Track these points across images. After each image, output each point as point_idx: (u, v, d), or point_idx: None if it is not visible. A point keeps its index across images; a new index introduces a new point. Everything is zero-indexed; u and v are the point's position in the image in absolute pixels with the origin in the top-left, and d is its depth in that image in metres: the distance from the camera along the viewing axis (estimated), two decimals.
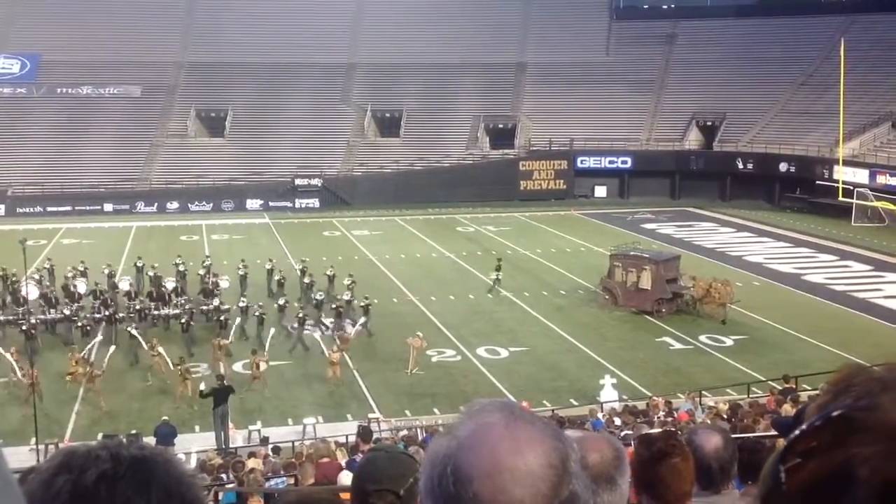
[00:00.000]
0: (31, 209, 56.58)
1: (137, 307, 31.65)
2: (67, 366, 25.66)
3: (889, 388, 1.01)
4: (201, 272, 35.97)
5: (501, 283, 37.00)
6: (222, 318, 30.07)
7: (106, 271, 36.02)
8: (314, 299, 32.53)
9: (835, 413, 1.00)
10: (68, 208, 56.80)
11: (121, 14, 70.39)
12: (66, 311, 30.86)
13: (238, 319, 30.16)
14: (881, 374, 1.06)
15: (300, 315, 30.02)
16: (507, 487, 1.18)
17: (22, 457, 21.09)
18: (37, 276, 34.97)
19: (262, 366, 25.90)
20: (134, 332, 28.36)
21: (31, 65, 68.21)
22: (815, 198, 55.81)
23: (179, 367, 25.12)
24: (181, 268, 36.05)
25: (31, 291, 32.47)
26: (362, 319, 30.98)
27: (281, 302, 31.99)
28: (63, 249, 44.75)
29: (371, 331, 30.89)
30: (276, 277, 35.96)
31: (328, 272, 36.30)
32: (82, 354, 26.20)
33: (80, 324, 29.76)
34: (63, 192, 57.89)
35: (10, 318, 30.61)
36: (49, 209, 56.66)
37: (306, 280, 35.11)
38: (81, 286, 33.27)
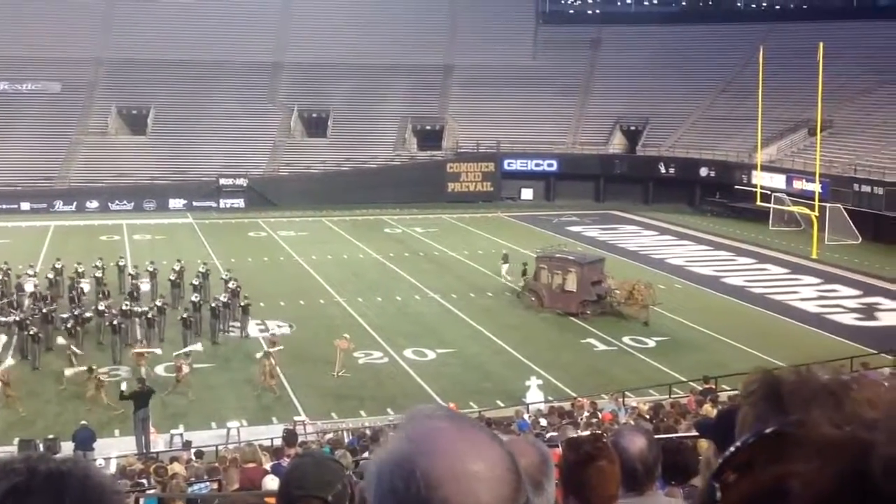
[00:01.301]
0: None
1: (44, 310, 30.39)
2: None
3: (819, 401, 1.04)
4: (131, 272, 35.35)
5: (524, 274, 36.99)
6: (149, 316, 29.53)
7: (30, 272, 35.03)
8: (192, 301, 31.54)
9: (768, 430, 1.03)
10: None
11: (39, 8, 68.50)
12: None
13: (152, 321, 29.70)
14: (813, 383, 1.10)
15: (185, 316, 29.56)
16: (475, 491, 1.19)
17: None
18: None
19: (185, 369, 25.50)
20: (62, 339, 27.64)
21: None
22: (734, 202, 57.13)
23: (92, 374, 24.56)
24: (97, 273, 35.04)
25: None
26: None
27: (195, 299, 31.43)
28: None
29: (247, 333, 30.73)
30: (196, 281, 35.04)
31: (201, 269, 35.54)
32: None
33: None
34: None
35: None
36: None
37: (195, 282, 34.23)
38: None
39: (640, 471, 3.38)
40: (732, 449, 1.05)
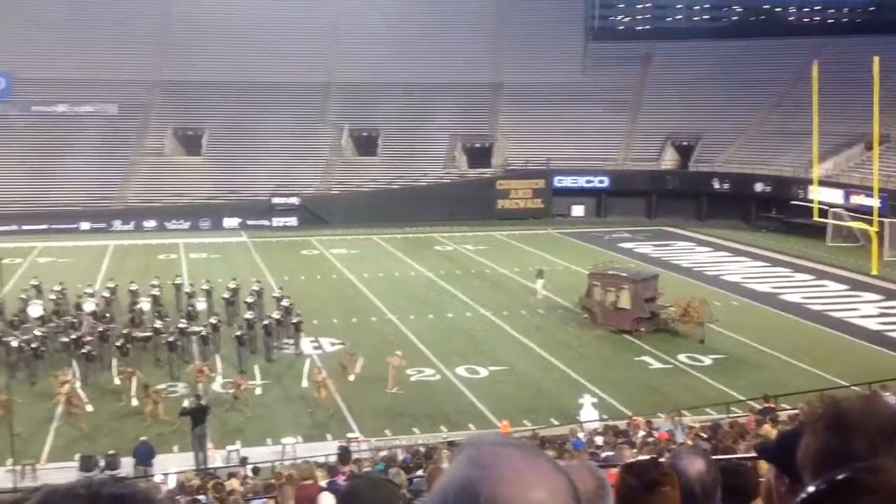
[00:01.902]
0: (7, 227, 55.92)
1: (100, 328, 30.80)
2: (54, 385, 25.46)
3: (886, 434, 1.03)
4: (188, 290, 35.89)
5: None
6: (204, 334, 29.91)
7: (89, 290, 35.66)
8: (246, 319, 31.87)
9: (840, 476, 1.02)
10: (44, 227, 56.27)
11: (96, 31, 70.09)
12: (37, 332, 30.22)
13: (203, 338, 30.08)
14: (881, 415, 1.08)
15: (239, 334, 29.87)
16: None
17: None
18: (23, 296, 34.57)
19: (244, 386, 25.80)
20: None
21: (4, 82, 67.74)
22: (790, 217, 56.32)
23: (148, 391, 24.97)
24: (154, 291, 35.55)
25: (34, 310, 32.17)
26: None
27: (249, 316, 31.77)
28: (39, 268, 44.31)
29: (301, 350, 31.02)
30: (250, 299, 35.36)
31: (255, 287, 35.74)
32: (67, 375, 26.00)
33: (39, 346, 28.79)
34: (39, 211, 57.41)
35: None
36: (24, 228, 56.08)
37: (249, 300, 34.43)
38: (35, 309, 32.69)
39: (699, 494, 3.33)
40: (805, 495, 1.05)
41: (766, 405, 22.19)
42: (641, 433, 20.63)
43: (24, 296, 34.60)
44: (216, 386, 27.29)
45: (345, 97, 70.87)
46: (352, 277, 43.74)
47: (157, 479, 19.77)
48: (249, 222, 59.55)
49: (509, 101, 71.53)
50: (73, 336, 29.63)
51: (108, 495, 1.14)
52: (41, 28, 69.66)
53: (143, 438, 21.98)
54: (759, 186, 59.80)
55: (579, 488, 2.45)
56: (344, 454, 17.17)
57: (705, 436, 18.61)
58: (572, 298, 36.93)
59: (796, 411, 19.74)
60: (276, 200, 60.74)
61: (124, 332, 29.78)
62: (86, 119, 66.28)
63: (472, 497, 1.21)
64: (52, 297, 34.77)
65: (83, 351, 28.04)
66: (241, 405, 25.46)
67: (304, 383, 27.31)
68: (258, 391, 26.71)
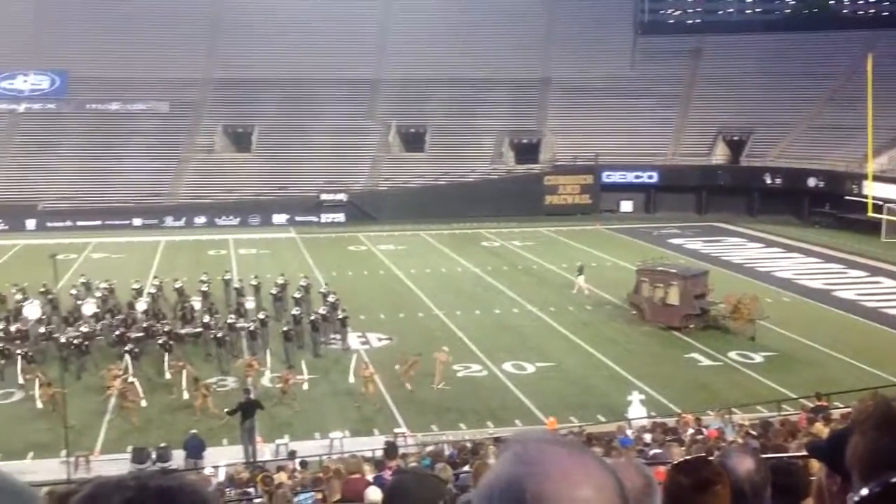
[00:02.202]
0: (61, 223, 57.12)
1: (144, 324, 31.25)
2: (107, 379, 25.93)
3: None
4: (236, 285, 36.30)
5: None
6: (251, 329, 30.21)
7: (136, 286, 36.22)
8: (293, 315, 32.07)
9: (894, 479, 1.00)
10: (98, 223, 57.34)
11: (149, 31, 71.13)
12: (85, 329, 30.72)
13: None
14: None
15: (286, 329, 30.07)
16: None
17: (53, 468, 21.32)
18: (73, 292, 35.18)
19: (292, 380, 26.04)
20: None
21: (60, 81, 69.09)
22: (843, 213, 55.34)
23: (198, 385, 25.34)
24: (203, 287, 35.96)
25: (88, 308, 32.78)
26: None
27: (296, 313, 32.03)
28: (93, 264, 45.14)
29: (348, 345, 31.12)
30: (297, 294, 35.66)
31: (302, 283, 36.00)
32: (119, 370, 26.48)
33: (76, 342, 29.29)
34: (93, 207, 58.48)
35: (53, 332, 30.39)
36: (79, 224, 57.18)
37: (297, 295, 34.70)
38: (89, 307, 33.25)
39: (749, 493, 3.28)
40: (858, 498, 1.03)
41: (819, 403, 21.82)
42: (690, 431, 20.41)
43: (74, 292, 35.20)
44: (265, 380, 27.57)
45: (393, 93, 71.07)
46: (399, 273, 43.88)
47: (207, 471, 20.05)
48: (298, 218, 60.02)
49: (558, 97, 71.18)
50: (120, 332, 30.11)
51: (156, 487, 1.17)
52: (96, 28, 70.91)
53: (193, 432, 22.28)
54: (811, 181, 58.84)
55: (626, 486, 2.43)
56: (390, 449, 17.21)
57: (755, 434, 18.37)
58: (620, 295, 36.67)
59: (849, 410, 19.39)
60: (324, 197, 61.17)
61: (167, 329, 30.19)
62: (138, 117, 67.33)
63: (518, 493, 1.21)
64: (98, 294, 35.27)
65: (131, 348, 28.47)
66: (289, 399, 25.70)
67: (351, 379, 27.46)
68: (305, 386, 26.91)
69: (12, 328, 30.29)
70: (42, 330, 30.20)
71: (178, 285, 36.19)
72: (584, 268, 40.11)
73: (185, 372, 26.83)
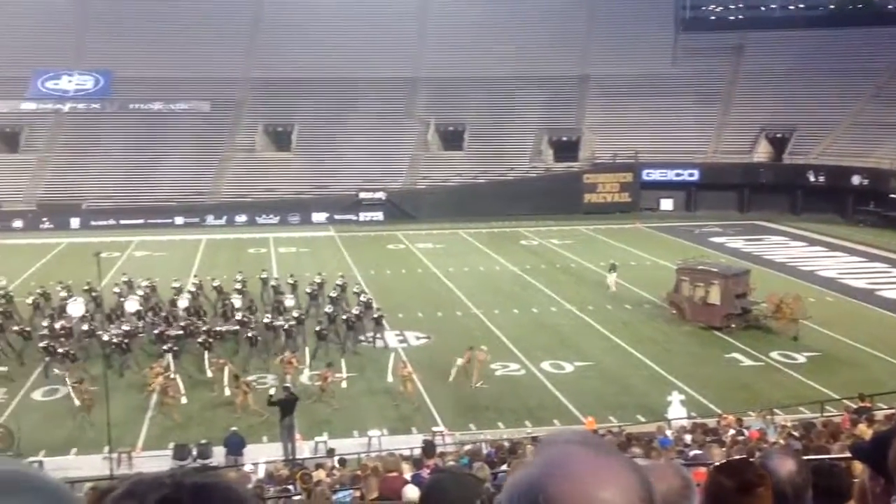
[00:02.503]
0: (105, 222, 57.96)
1: (182, 323, 31.54)
2: (149, 377, 26.28)
3: None
4: (273, 283, 36.52)
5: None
6: (286, 328, 30.38)
7: (176, 284, 36.59)
8: (326, 313, 32.19)
9: None
10: (140, 221, 58.09)
11: (191, 31, 71.88)
12: (126, 327, 31.09)
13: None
14: None
15: (319, 329, 30.20)
16: None
17: (95, 464, 21.62)
18: (116, 290, 35.63)
19: (331, 378, 26.17)
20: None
21: (104, 81, 70.06)
22: (888, 211, 54.45)
23: (239, 382, 25.56)
24: (237, 286, 36.19)
25: (131, 305, 33.25)
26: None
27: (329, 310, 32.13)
28: (135, 262, 45.71)
29: (386, 343, 31.16)
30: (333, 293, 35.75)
31: (339, 282, 36.10)
32: (161, 367, 26.83)
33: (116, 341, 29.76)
34: (136, 206, 59.23)
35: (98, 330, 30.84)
36: (122, 222, 57.98)
37: (333, 294, 34.75)
38: (131, 304, 33.67)
39: (790, 494, 3.23)
40: None
41: (862, 404, 21.50)
42: (731, 432, 20.21)
43: (117, 290, 35.62)
44: (304, 378, 27.73)
45: (431, 91, 71.13)
46: (437, 272, 43.92)
47: (247, 468, 20.20)
48: (337, 217, 60.33)
49: (597, 94, 70.77)
50: (161, 329, 30.46)
51: (192, 485, 1.19)
52: (139, 28, 71.81)
53: (233, 429, 22.49)
54: (856, 179, 57.95)
55: (661, 488, 2.41)
56: (429, 448, 17.25)
57: (797, 435, 18.14)
58: (660, 294, 36.39)
59: (893, 411, 19.09)
60: (362, 195, 61.39)
61: (205, 328, 30.49)
62: (180, 116, 68.05)
63: (535, 494, 1.22)
64: (140, 292, 35.67)
65: (171, 345, 28.79)
66: (328, 397, 25.82)
67: (390, 378, 27.53)
68: (344, 384, 27.03)
69: (56, 325, 30.75)
70: (85, 328, 30.60)
71: (216, 284, 36.47)
72: (616, 266, 40.01)
73: (226, 369, 27.10)
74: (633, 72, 70.18)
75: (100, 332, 29.95)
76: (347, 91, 69.53)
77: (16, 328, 31.00)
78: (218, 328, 31.10)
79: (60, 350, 28.26)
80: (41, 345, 28.74)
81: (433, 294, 39.34)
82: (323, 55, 70.88)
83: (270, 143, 68.07)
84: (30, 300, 34.11)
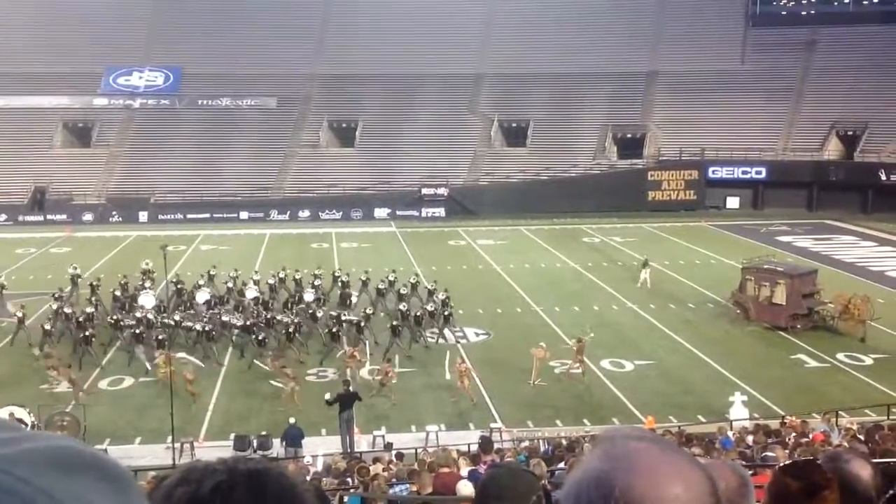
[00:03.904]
0: (172, 216, 59.13)
1: (267, 315, 31.98)
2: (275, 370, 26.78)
3: None
4: (343, 279, 36.75)
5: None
6: (356, 322, 30.60)
7: (256, 277, 37.03)
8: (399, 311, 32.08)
9: None
10: (207, 216, 59.11)
11: (257, 28, 72.87)
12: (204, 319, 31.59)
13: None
14: None
15: (394, 324, 30.27)
16: None
17: (159, 453, 22.09)
18: (201, 282, 36.27)
19: (391, 373, 26.31)
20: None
21: (173, 77, 71.42)
22: None
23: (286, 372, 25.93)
24: (316, 282, 36.41)
25: (201, 296, 33.93)
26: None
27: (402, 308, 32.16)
28: (201, 255, 46.50)
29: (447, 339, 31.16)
30: (380, 286, 35.92)
31: (412, 280, 36.29)
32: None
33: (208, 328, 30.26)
34: (202, 200, 60.28)
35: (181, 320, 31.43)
36: (189, 216, 59.07)
37: (404, 291, 34.69)
38: (202, 295, 34.25)
39: (875, 499, 3.14)
40: None
41: None
42: (794, 434, 19.82)
43: (201, 281, 36.19)
44: (364, 372, 27.93)
45: (495, 87, 71.03)
46: (498, 268, 43.86)
47: (306, 460, 20.43)
48: (399, 213, 60.63)
49: (664, 91, 69.94)
50: (238, 322, 31.00)
51: (246, 471, 1.20)
52: (208, 25, 73.10)
53: (292, 420, 22.70)
54: None
55: (720, 486, 2.37)
56: (485, 444, 17.23)
57: (862, 438, 17.71)
58: (725, 293, 35.84)
59: None
60: (425, 191, 61.58)
61: (295, 320, 30.86)
62: (247, 112, 69.05)
63: (608, 489, 1.21)
64: (228, 283, 36.24)
65: (255, 336, 29.29)
66: (387, 392, 25.97)
67: (447, 375, 27.57)
68: (394, 380, 26.83)
69: (138, 314, 31.41)
70: (151, 316, 31.25)
71: (298, 276, 36.86)
72: (649, 262, 40.01)
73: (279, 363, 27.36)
74: (702, 68, 69.24)
75: (189, 323, 30.64)
76: (411, 87, 69.81)
77: (111, 319, 31.40)
78: (280, 318, 31.34)
79: (156, 337, 28.83)
80: (135, 332, 29.34)
81: (493, 290, 39.29)
82: (387, 51, 71.27)
83: (335, 139, 68.68)
84: (118, 291, 34.68)
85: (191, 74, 70.24)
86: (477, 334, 32.63)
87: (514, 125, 68.31)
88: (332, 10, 76.49)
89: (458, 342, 31.52)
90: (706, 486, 1.24)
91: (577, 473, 1.26)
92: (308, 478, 16.64)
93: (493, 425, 23.54)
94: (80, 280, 37.47)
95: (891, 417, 22.02)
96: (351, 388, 23.86)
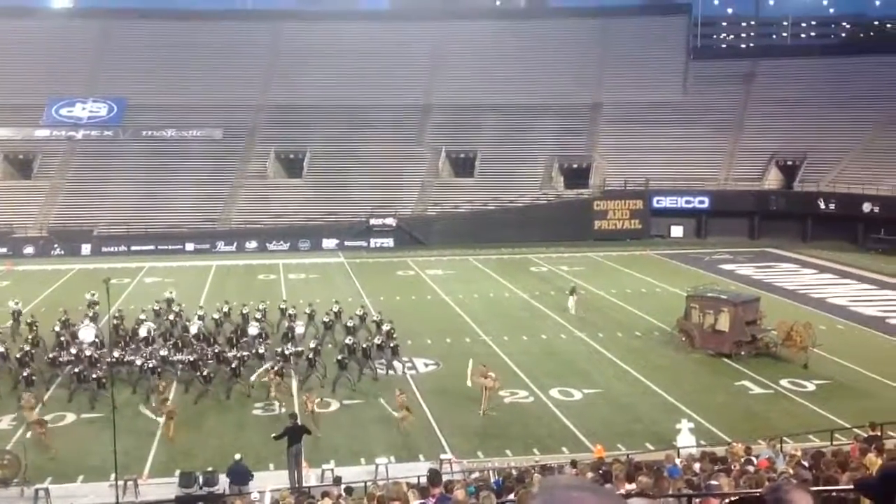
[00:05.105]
0: (116, 248, 58.27)
1: (215, 350, 31.56)
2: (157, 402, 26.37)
3: None
4: (291, 311, 36.35)
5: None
6: (309, 357, 30.30)
7: (199, 313, 36.47)
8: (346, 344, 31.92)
9: None
10: (151, 248, 58.36)
11: (203, 59, 72.60)
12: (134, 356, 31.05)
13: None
14: None
15: (340, 358, 30.08)
16: None
17: (102, 492, 21.58)
18: (142, 317, 35.60)
19: (311, 405, 25.82)
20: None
21: (117, 108, 70.68)
22: None
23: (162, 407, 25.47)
24: (257, 315, 36.07)
25: (142, 330, 33.32)
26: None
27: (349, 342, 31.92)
28: (145, 288, 45.85)
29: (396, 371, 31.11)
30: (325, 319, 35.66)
31: (357, 312, 35.99)
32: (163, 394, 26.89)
33: (150, 365, 29.78)
34: (147, 232, 59.52)
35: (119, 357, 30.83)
36: (133, 248, 58.25)
37: (350, 324, 34.54)
38: (143, 329, 33.73)
39: None
40: None
41: (872, 433, 21.28)
42: (741, 460, 20.02)
43: (143, 316, 35.62)
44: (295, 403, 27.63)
45: (443, 119, 71.48)
46: (446, 298, 43.91)
47: (253, 496, 20.10)
48: (347, 243, 60.48)
49: (608, 122, 71.01)
50: (188, 358, 30.50)
51: None
52: (154, 57, 72.63)
53: (237, 457, 22.29)
54: (867, 207, 57.83)
55: None
56: (433, 476, 17.14)
57: (806, 464, 17.96)
58: (670, 321, 36.27)
59: None
60: (373, 221, 61.54)
61: (239, 354, 30.51)
62: (192, 143, 68.51)
63: None
64: (171, 317, 35.71)
65: (201, 373, 28.84)
66: (315, 423, 25.41)
67: (391, 409, 27.37)
68: (316, 409, 26.45)
69: (73, 350, 30.77)
70: (89, 353, 30.65)
71: (245, 311, 36.44)
72: (576, 289, 40.89)
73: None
74: (646, 100, 70.48)
75: (131, 358, 30.09)
76: (359, 118, 69.96)
77: (50, 356, 30.76)
78: (228, 354, 30.94)
79: (94, 375, 28.30)
80: (74, 370, 28.81)
81: (442, 321, 39.30)
82: (335, 82, 71.45)
83: (282, 170, 68.40)
84: (57, 327, 34.06)
85: (135, 105, 69.60)
86: (426, 364, 32.55)
87: (461, 156, 68.73)
88: (280, 41, 76.53)
89: (407, 373, 31.41)
90: None
91: None
92: None
93: (443, 456, 23.41)
94: (21, 316, 36.69)
95: (833, 443, 22.40)
96: (298, 422, 23.59)
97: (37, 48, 71.85)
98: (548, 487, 1.32)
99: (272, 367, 29.25)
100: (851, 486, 10.04)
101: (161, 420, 25.83)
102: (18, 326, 35.94)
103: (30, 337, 32.99)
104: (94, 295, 37.31)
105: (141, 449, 24.51)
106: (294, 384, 29.98)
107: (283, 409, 26.99)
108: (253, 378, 30.04)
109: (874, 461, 16.14)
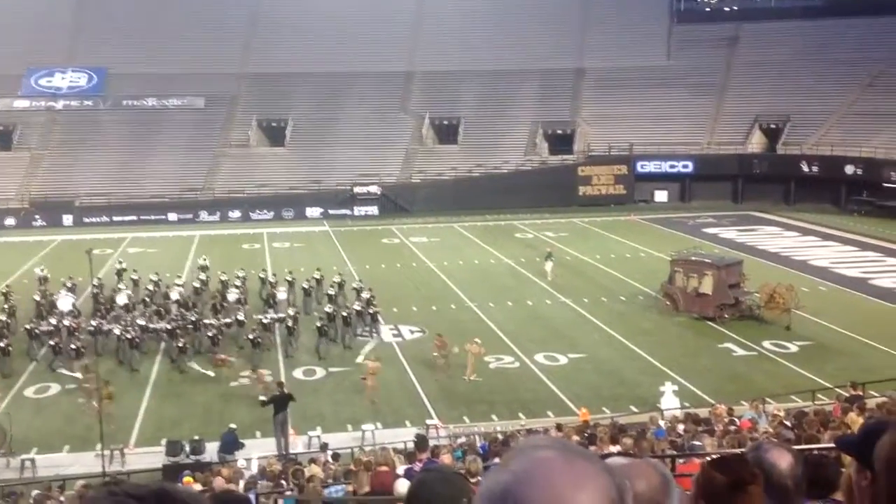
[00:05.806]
0: (98, 219, 57.86)
1: (192, 318, 31.48)
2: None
3: None
4: (271, 280, 36.33)
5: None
6: (289, 325, 30.33)
7: (178, 281, 36.42)
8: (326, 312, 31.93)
9: None
10: (134, 218, 58.00)
11: (184, 28, 71.74)
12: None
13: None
14: None
15: (319, 325, 30.09)
16: None
17: (88, 461, 21.62)
18: (121, 285, 35.61)
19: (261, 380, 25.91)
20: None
21: (98, 78, 69.88)
22: (882, 200, 54.51)
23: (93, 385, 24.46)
24: (237, 282, 36.10)
25: (120, 298, 33.25)
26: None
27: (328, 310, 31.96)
28: (128, 258, 45.61)
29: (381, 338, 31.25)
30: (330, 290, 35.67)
31: (336, 279, 35.88)
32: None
33: (129, 336, 29.58)
34: (129, 203, 59.13)
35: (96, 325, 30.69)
36: (115, 219, 57.88)
37: (331, 291, 34.62)
38: (121, 297, 33.65)
39: (791, 488, 3.21)
40: None
41: (854, 392, 21.53)
42: (725, 420, 20.21)
43: (122, 285, 35.57)
44: (297, 373, 27.70)
45: (426, 86, 71.06)
46: (432, 265, 43.92)
47: (240, 464, 20.18)
48: (331, 212, 60.30)
49: (592, 87, 70.77)
50: (165, 326, 30.47)
51: (148, 491, 1.23)
52: (133, 25, 71.71)
53: (232, 426, 22.35)
54: (849, 169, 58.02)
55: (641, 485, 2.40)
56: (420, 441, 17.24)
57: (789, 424, 18.15)
58: (654, 285, 36.43)
59: (885, 399, 19.11)
60: (357, 190, 61.32)
61: (220, 321, 30.47)
62: (174, 112, 67.89)
63: (502, 501, 1.24)
64: (150, 286, 35.66)
65: (178, 343, 28.80)
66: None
67: (360, 359, 27.57)
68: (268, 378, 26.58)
69: (52, 321, 30.68)
70: (68, 322, 30.62)
71: (224, 278, 36.43)
72: (552, 254, 40.92)
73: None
74: (629, 64, 70.21)
75: (109, 327, 30.02)
76: (341, 85, 69.46)
77: (25, 328, 30.61)
78: (208, 321, 30.94)
79: (73, 346, 28.24)
80: (51, 342, 28.70)
81: (428, 288, 39.35)
82: (317, 50, 70.81)
83: (264, 139, 67.97)
84: (37, 296, 33.94)
85: (116, 75, 68.80)
86: (412, 332, 32.63)
87: (445, 123, 68.43)
88: (260, 8, 75.69)
89: (393, 339, 31.50)
90: (608, 492, 1.25)
91: (483, 488, 1.28)
92: (242, 482, 16.46)
93: (429, 422, 23.56)
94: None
95: (816, 403, 22.64)
96: (285, 390, 23.65)
97: (15, 18, 70.79)
98: (518, 449, 1.32)
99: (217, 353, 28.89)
100: (833, 445, 10.17)
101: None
102: None
103: (6, 307, 32.85)
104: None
105: (129, 419, 24.53)
106: (279, 354, 30.01)
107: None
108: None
109: (855, 420, 16.34)
